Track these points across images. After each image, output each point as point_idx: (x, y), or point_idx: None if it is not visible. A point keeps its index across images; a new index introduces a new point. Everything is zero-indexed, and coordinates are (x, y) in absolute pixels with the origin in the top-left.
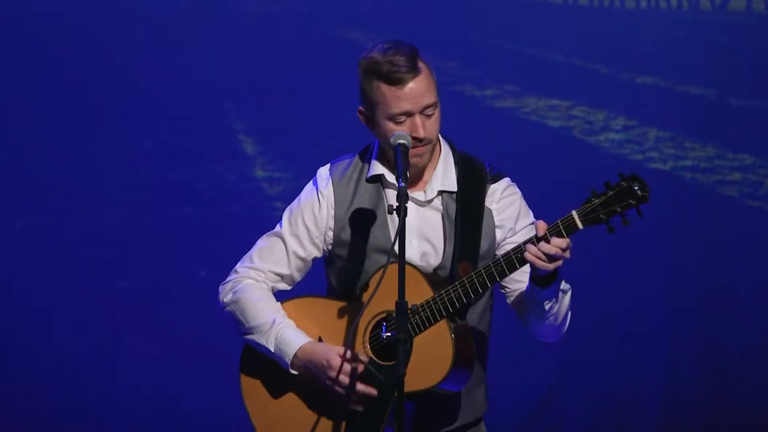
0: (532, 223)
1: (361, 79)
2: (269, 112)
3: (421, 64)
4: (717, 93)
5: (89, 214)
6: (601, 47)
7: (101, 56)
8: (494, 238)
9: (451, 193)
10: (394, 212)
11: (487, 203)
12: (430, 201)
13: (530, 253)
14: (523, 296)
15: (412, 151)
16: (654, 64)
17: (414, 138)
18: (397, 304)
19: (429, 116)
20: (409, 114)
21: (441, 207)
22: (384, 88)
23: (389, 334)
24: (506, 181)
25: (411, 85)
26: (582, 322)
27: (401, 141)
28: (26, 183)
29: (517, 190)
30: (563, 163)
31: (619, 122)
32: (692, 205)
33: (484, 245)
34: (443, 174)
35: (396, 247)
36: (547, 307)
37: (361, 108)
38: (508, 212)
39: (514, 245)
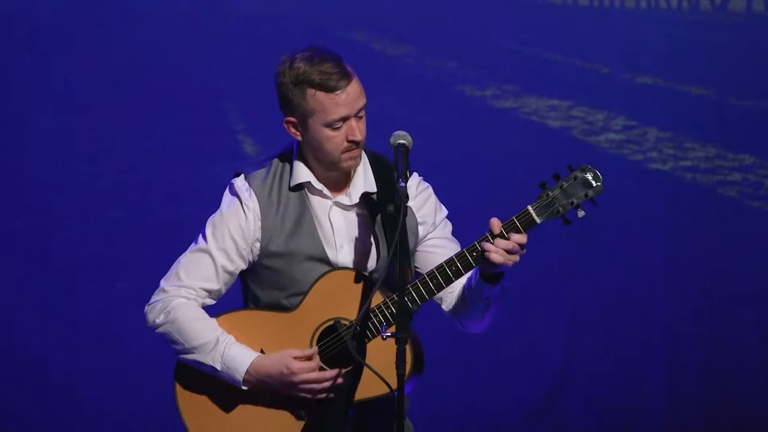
0: (446, 215)
1: (285, 90)
2: (269, 112)
3: (349, 67)
4: (717, 93)
5: (89, 214)
6: (601, 47)
7: (101, 56)
8: (417, 234)
9: (372, 194)
10: (393, 212)
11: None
12: (355, 204)
13: (490, 251)
14: (459, 291)
15: (347, 155)
16: (654, 64)
17: (351, 141)
18: (396, 303)
19: (361, 118)
20: (345, 119)
21: (365, 209)
22: (321, 95)
23: (389, 334)
24: (416, 176)
25: (348, 89)
26: (582, 322)
27: (401, 141)
28: (26, 183)
29: (428, 184)
30: (563, 163)
31: (619, 122)
32: (692, 205)
33: (410, 243)
34: (364, 176)
35: (396, 248)
36: (491, 302)
37: (290, 118)
38: (426, 207)
39: (437, 240)
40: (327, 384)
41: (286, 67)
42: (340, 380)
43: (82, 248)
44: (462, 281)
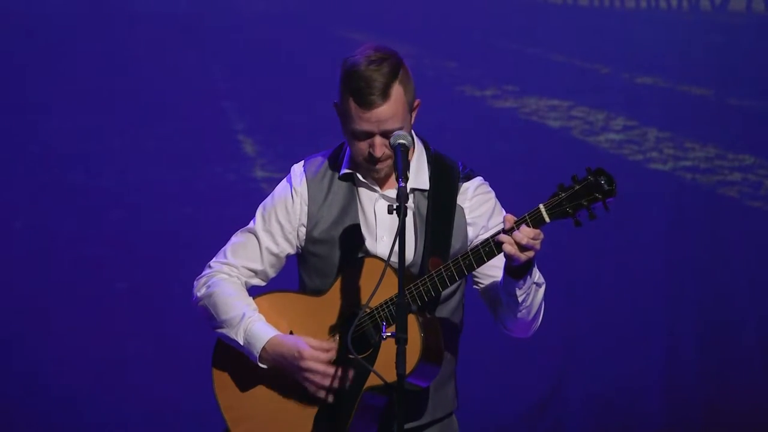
0: None
1: (341, 78)
2: (269, 112)
3: (394, 89)
4: (717, 93)
5: (89, 214)
6: (601, 47)
7: (101, 56)
8: (466, 236)
9: (423, 191)
10: (394, 212)
11: (459, 201)
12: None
13: (503, 241)
14: (495, 289)
15: (369, 167)
16: (654, 64)
17: (371, 155)
18: (397, 303)
19: (389, 135)
20: (369, 134)
21: (413, 205)
22: (352, 104)
23: (389, 333)
24: (478, 179)
25: (377, 110)
26: (582, 322)
27: (401, 141)
28: (26, 183)
29: (490, 189)
30: (563, 163)
31: (619, 122)
32: (692, 205)
33: (455, 243)
34: (416, 172)
35: (396, 247)
36: (520, 299)
37: (336, 102)
38: (481, 210)
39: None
40: (328, 381)
41: (347, 60)
42: (344, 381)
43: (82, 248)
44: (496, 282)
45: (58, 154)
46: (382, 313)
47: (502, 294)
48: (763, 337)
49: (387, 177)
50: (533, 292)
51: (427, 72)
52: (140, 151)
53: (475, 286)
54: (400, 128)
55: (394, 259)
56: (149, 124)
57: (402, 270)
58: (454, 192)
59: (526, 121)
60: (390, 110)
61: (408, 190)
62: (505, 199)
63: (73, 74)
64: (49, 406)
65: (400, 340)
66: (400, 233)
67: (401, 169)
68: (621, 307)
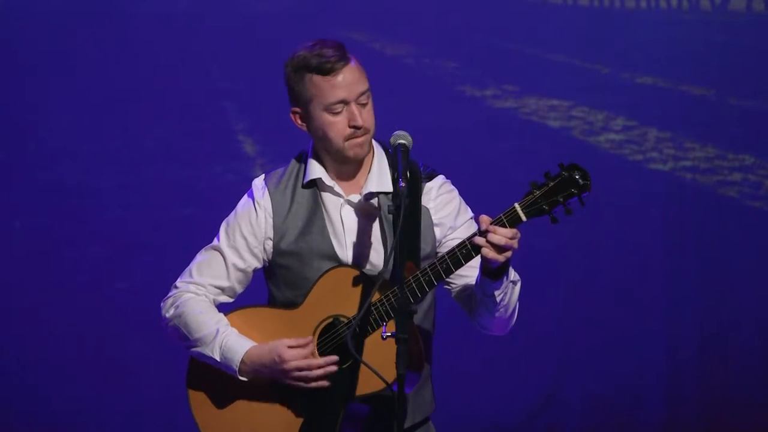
0: (472, 218)
1: (290, 81)
2: (269, 112)
3: (349, 54)
4: (717, 93)
5: (89, 214)
6: (601, 47)
7: (101, 56)
8: (434, 237)
9: (387, 194)
10: (393, 213)
11: (423, 202)
12: (367, 203)
13: (480, 245)
14: (470, 290)
15: (351, 142)
16: (654, 64)
17: (353, 127)
18: (396, 303)
19: (364, 105)
20: (345, 102)
21: (377, 208)
22: (317, 79)
23: (389, 333)
24: (441, 178)
25: (344, 71)
26: (581, 322)
27: (401, 141)
28: (26, 183)
29: (453, 187)
30: (563, 163)
31: (619, 122)
32: (692, 206)
33: (424, 245)
34: (378, 176)
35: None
36: (498, 299)
37: (294, 108)
38: (446, 210)
39: (458, 241)
40: (318, 372)
41: (289, 58)
42: (332, 368)
43: (82, 248)
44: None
45: (58, 154)
46: (373, 317)
47: (479, 295)
48: (763, 338)
49: (352, 180)
50: (510, 291)
51: (427, 72)
52: (140, 151)
53: (446, 287)
54: (368, 91)
55: (368, 267)
56: (149, 124)
57: (402, 270)
58: (418, 193)
59: (526, 121)
60: (355, 71)
61: (372, 195)
62: (505, 199)
63: (73, 74)
64: (48, 406)
65: (400, 340)
66: (399, 233)
67: (402, 170)
68: (621, 307)
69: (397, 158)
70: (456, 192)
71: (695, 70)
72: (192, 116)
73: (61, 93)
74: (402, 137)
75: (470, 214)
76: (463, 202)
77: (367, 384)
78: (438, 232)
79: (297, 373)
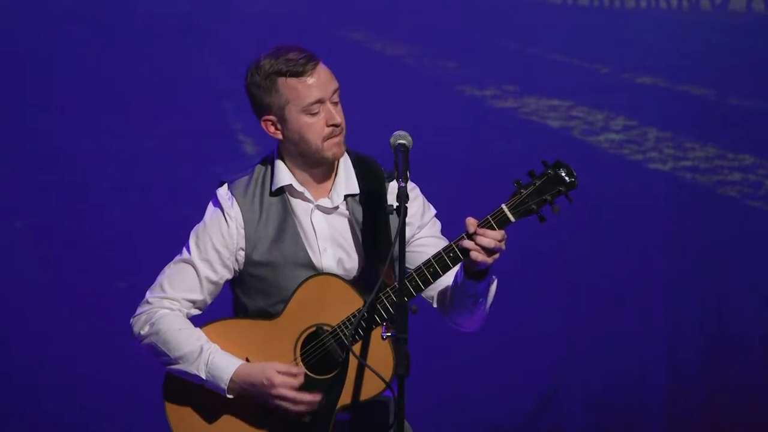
0: (435, 214)
1: (257, 90)
2: None
3: (314, 54)
4: (717, 93)
5: (89, 214)
6: (601, 47)
7: (101, 56)
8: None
9: (354, 196)
10: (394, 213)
11: (389, 202)
12: (337, 207)
13: (469, 248)
14: (447, 290)
15: (330, 141)
16: (654, 64)
17: (331, 125)
18: (396, 304)
19: (336, 103)
20: (321, 101)
21: (347, 212)
22: (292, 81)
23: (389, 333)
24: None
25: (317, 71)
26: (582, 322)
27: (401, 141)
28: (26, 183)
29: (415, 185)
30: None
31: (619, 122)
32: (692, 205)
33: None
34: (346, 178)
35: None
36: (480, 299)
37: (266, 117)
38: (412, 209)
39: (425, 239)
40: (302, 408)
41: (253, 69)
42: (315, 407)
43: (82, 248)
44: (449, 279)
45: (58, 153)
46: (346, 330)
47: (460, 295)
48: (764, 337)
49: (321, 184)
50: (490, 292)
51: (427, 72)
52: (140, 151)
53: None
54: (339, 89)
55: (339, 270)
56: (149, 123)
57: (402, 271)
58: (383, 192)
59: (526, 121)
60: (326, 70)
61: (342, 198)
62: (504, 199)
63: (73, 74)
64: (48, 406)
65: (400, 340)
66: (400, 234)
67: (402, 170)
68: (621, 307)
69: (397, 158)
70: (418, 189)
71: (695, 70)
72: (192, 116)
73: (61, 92)
74: (402, 137)
75: (433, 211)
76: (425, 200)
77: (356, 392)
78: (408, 230)
79: (282, 402)
